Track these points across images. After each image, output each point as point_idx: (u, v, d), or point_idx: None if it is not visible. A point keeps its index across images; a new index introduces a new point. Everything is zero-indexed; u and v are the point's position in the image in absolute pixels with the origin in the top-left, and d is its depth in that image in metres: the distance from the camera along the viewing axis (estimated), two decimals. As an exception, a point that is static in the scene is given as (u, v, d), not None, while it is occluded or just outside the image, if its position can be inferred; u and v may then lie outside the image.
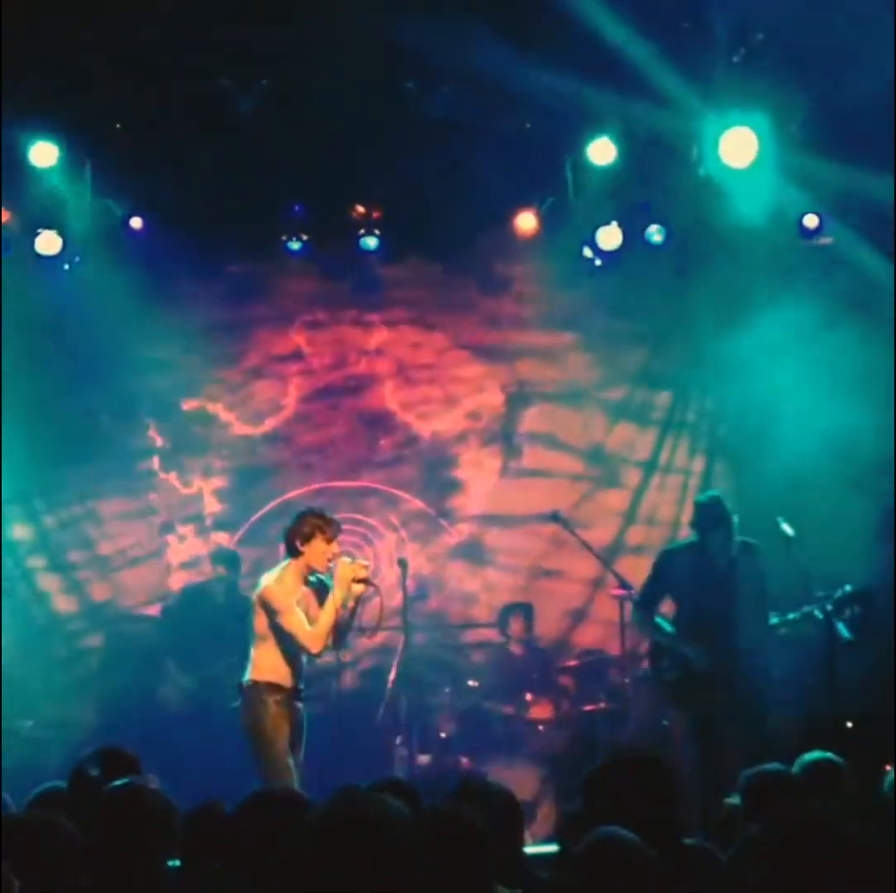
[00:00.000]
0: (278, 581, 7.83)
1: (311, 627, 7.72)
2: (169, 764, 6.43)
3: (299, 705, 7.91)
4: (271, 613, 7.77)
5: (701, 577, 8.29)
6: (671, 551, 8.83)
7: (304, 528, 7.86)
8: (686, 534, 9.70)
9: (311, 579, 7.95)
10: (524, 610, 10.48)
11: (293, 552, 7.88)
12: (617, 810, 3.75)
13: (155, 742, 8.23)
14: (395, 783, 5.05)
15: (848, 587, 8.63)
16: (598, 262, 10.76)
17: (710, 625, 8.22)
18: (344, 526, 8.41)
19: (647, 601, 8.59)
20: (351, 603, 7.81)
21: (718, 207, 10.16)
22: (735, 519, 8.39)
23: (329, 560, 7.86)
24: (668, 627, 8.48)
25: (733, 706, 8.14)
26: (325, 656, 7.94)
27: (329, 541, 7.85)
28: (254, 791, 4.15)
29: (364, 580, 7.79)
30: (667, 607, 8.66)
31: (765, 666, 8.45)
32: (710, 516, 8.41)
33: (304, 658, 7.87)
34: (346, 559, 7.88)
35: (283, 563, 7.93)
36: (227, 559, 10.48)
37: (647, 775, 3.83)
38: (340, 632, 7.87)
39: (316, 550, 7.83)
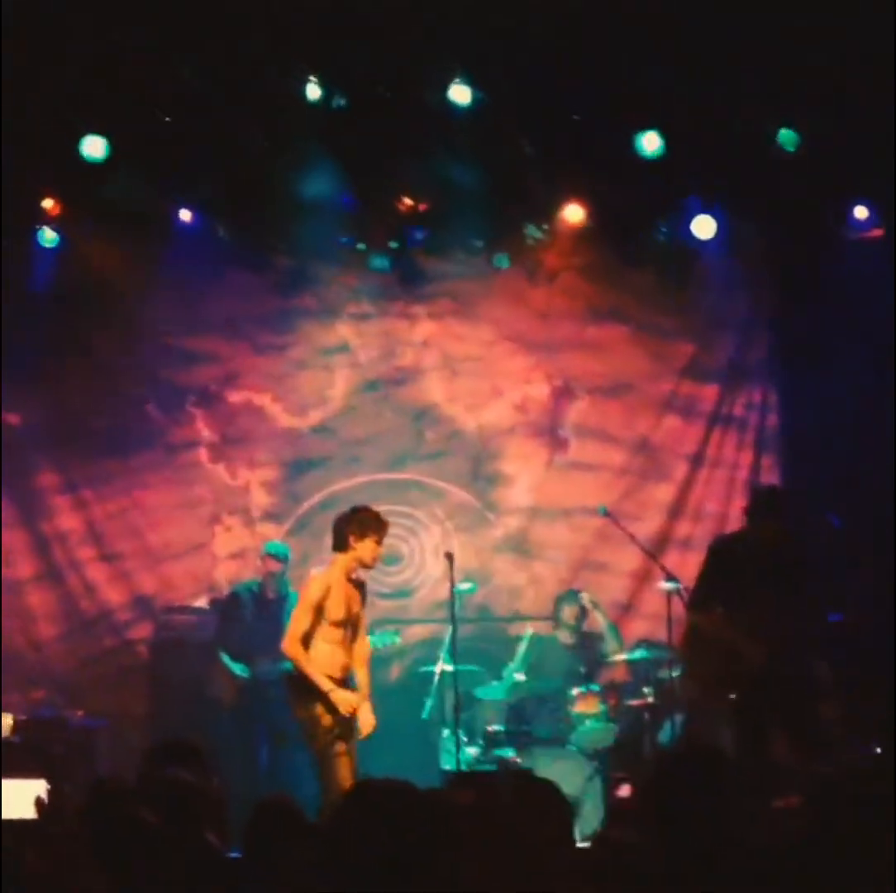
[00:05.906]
0: (321, 578, 8.13)
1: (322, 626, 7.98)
2: (218, 755, 6.46)
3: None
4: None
5: (748, 568, 8.20)
6: (723, 542, 8.65)
7: (358, 525, 8.07)
8: (733, 528, 9.67)
9: (353, 577, 8.20)
10: (577, 597, 10.43)
11: (342, 546, 8.01)
12: (678, 805, 3.66)
13: (204, 733, 8.27)
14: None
15: None
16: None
17: (757, 617, 8.14)
18: (390, 519, 8.52)
19: (708, 598, 8.29)
20: None
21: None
22: (786, 514, 8.31)
23: (375, 560, 8.15)
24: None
25: (783, 700, 8.06)
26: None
27: (379, 543, 8.13)
28: (359, 782, 3.93)
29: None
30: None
31: (814, 660, 8.37)
32: (764, 504, 8.33)
33: (353, 649, 8.02)
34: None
35: (332, 561, 8.18)
36: (279, 553, 10.46)
37: (711, 769, 3.73)
38: None
39: (366, 548, 8.05)
